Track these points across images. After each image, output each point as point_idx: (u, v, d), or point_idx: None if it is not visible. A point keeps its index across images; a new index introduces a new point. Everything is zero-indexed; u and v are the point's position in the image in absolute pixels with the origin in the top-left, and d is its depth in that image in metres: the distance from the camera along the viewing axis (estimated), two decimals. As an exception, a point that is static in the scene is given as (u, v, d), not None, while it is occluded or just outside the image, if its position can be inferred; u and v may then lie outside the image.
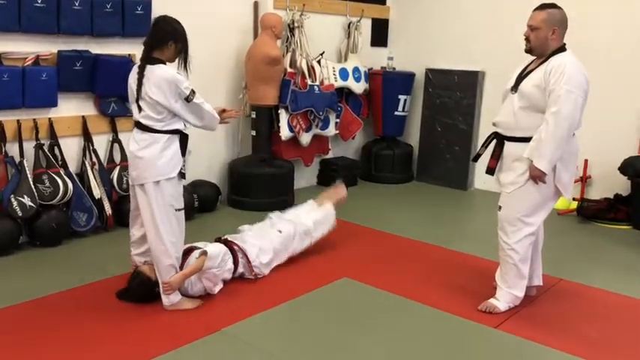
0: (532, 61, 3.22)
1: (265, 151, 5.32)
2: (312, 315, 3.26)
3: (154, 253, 3.18)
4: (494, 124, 3.33)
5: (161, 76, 3.02)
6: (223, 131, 5.28)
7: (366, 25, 6.47)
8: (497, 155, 3.29)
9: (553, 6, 3.14)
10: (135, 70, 3.12)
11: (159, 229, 3.12)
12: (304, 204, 4.22)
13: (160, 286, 3.18)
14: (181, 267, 3.25)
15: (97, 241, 4.23)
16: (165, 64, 3.09)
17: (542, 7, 3.14)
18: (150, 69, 3.04)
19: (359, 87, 6.15)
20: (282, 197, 5.21)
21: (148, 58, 3.08)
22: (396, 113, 6.36)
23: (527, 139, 3.10)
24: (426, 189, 6.26)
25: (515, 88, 3.18)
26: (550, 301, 3.51)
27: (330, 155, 6.21)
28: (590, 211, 5.16)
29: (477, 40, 6.05)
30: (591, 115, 5.08)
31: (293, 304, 3.36)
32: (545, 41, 3.10)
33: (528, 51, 3.18)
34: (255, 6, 5.35)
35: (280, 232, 3.83)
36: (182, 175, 3.19)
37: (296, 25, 5.45)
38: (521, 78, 3.18)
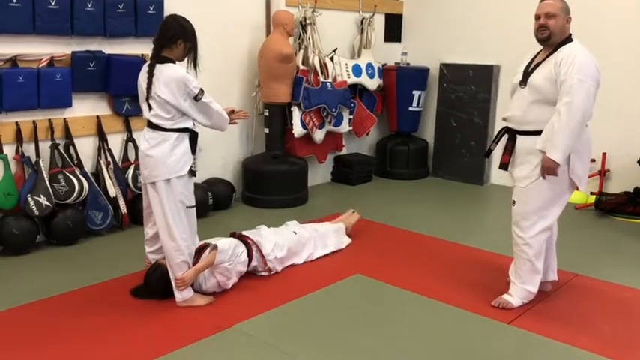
0: (538, 54, 3.18)
1: (278, 149, 5.33)
2: (324, 311, 3.26)
3: (166, 250, 3.21)
4: (504, 119, 3.30)
5: (170, 75, 3.03)
6: (237, 130, 5.30)
7: (380, 21, 6.44)
8: (509, 150, 3.24)
9: None
10: (145, 69, 3.14)
11: (170, 227, 3.15)
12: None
13: (173, 282, 3.22)
14: (195, 264, 3.27)
15: (112, 240, 4.28)
16: (174, 62, 3.11)
17: None
18: (159, 68, 3.06)
19: (373, 83, 6.13)
20: (297, 194, 5.23)
21: (158, 57, 3.10)
22: (410, 109, 6.33)
23: (540, 133, 3.05)
24: (441, 185, 6.22)
25: (524, 82, 3.14)
26: (565, 297, 3.47)
27: (344, 152, 6.21)
28: (608, 205, 5.08)
29: (491, 34, 5.99)
30: (609, 108, 5.05)
31: (305, 300, 3.37)
32: (562, 29, 3.05)
33: (546, 39, 3.07)
34: (267, 3, 5.35)
35: (295, 232, 3.91)
36: (192, 172, 3.22)
37: (308, 22, 5.45)
38: (529, 71, 3.13)
